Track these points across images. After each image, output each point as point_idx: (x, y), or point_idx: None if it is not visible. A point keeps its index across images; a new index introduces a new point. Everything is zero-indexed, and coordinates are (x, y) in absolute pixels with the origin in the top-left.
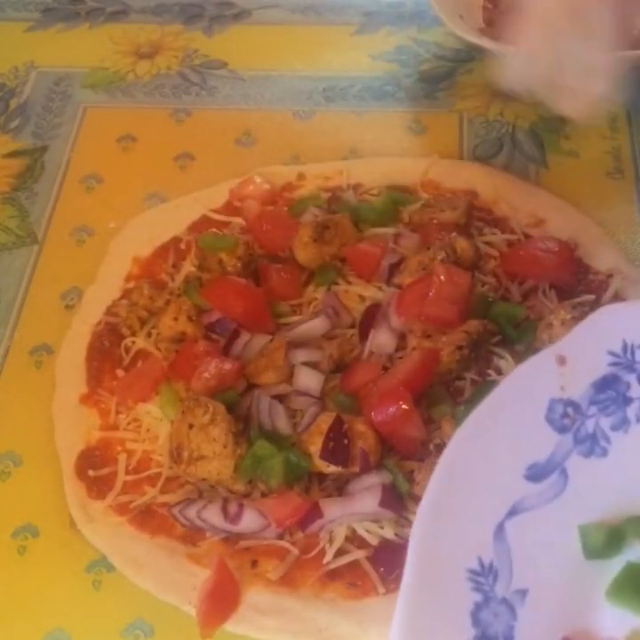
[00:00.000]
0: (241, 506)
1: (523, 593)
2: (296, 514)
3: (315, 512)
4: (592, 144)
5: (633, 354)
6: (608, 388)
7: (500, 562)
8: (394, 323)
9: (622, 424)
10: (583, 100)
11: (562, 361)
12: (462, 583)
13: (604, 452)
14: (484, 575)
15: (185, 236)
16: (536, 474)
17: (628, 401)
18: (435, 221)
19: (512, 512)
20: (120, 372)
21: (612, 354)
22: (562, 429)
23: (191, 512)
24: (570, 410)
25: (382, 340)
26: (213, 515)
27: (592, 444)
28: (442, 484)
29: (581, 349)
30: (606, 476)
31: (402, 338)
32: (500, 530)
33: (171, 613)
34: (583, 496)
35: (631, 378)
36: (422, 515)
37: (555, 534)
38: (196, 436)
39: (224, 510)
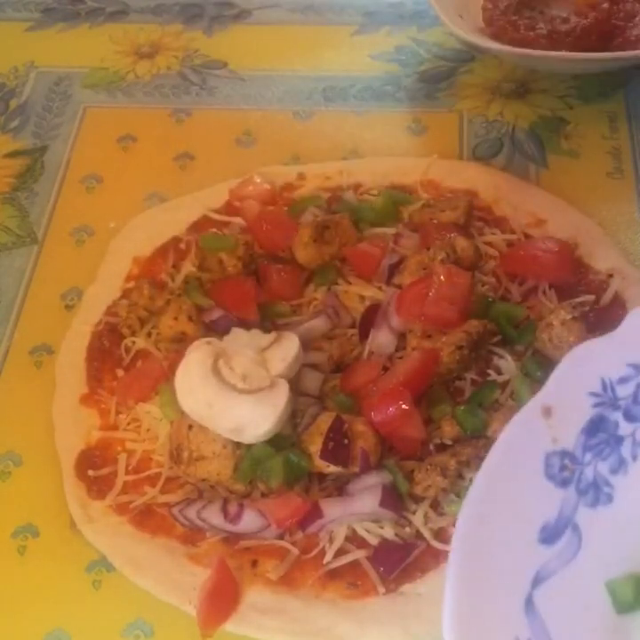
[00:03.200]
0: (241, 506)
1: None
2: (296, 514)
3: (315, 512)
4: (592, 144)
5: (613, 390)
6: (598, 431)
7: (538, 637)
8: (394, 323)
9: (620, 465)
10: None
11: (547, 412)
12: None
13: (609, 499)
14: None
15: (185, 236)
16: (549, 536)
17: (619, 440)
18: (435, 221)
19: (536, 582)
20: (120, 372)
21: (594, 394)
22: (563, 483)
23: (191, 512)
24: (566, 461)
25: (382, 339)
26: (213, 515)
27: (596, 493)
28: (461, 567)
29: (564, 396)
30: (618, 523)
31: (402, 338)
32: (529, 603)
33: (171, 613)
34: (601, 549)
35: (617, 416)
36: (450, 603)
37: (584, 595)
38: (196, 436)
39: (224, 510)
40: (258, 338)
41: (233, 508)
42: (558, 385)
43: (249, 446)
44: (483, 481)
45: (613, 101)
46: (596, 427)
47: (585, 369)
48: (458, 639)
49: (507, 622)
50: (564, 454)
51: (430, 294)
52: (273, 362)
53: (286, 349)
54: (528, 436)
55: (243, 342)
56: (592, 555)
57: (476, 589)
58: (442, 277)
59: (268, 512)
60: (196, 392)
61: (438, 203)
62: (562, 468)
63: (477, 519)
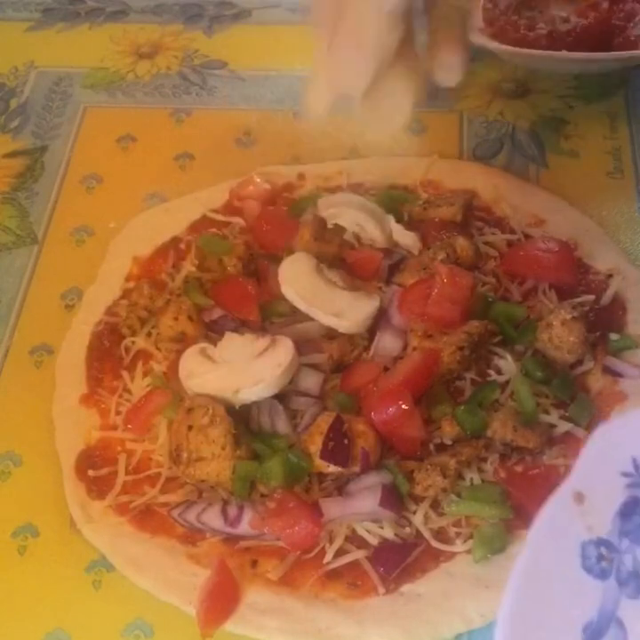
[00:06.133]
0: (241, 508)
1: None
2: (309, 539)
3: (315, 512)
4: (592, 144)
5: None
6: (633, 515)
7: None
8: (396, 321)
9: None
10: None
11: (579, 498)
12: None
13: None
14: None
15: (185, 236)
16: (593, 635)
17: None
18: (435, 219)
19: None
20: (120, 372)
21: (626, 474)
22: (602, 575)
23: (191, 515)
24: (603, 550)
25: (387, 343)
26: (213, 518)
27: (637, 583)
28: None
29: (594, 480)
30: None
31: (403, 336)
32: None
33: (171, 613)
34: None
35: None
36: None
37: None
38: (195, 437)
39: (224, 513)
40: (251, 344)
41: (233, 511)
42: (588, 468)
43: (246, 451)
44: (519, 580)
45: (613, 101)
46: (630, 510)
47: (614, 448)
48: None
49: None
50: (600, 543)
51: (432, 294)
52: (268, 368)
53: (281, 355)
54: (561, 526)
55: (236, 347)
56: None
57: None
58: (444, 278)
59: (282, 536)
60: None
61: (436, 199)
62: (599, 559)
63: (517, 622)
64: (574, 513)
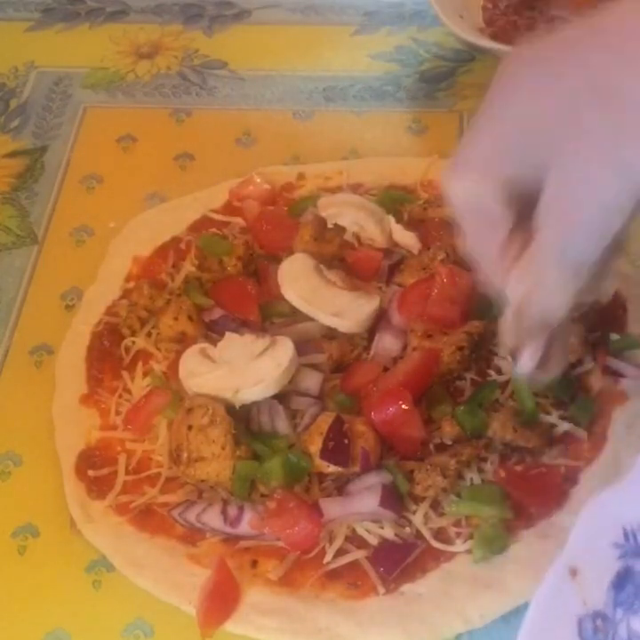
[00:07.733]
0: (241, 509)
1: None
2: (310, 540)
3: (315, 512)
4: None
5: (635, 538)
6: (626, 584)
7: None
8: (396, 321)
9: None
10: None
11: (574, 573)
12: None
13: None
14: None
15: (185, 236)
16: None
17: None
18: (435, 219)
19: None
20: (120, 373)
21: (618, 545)
22: None
23: (191, 515)
24: (599, 622)
25: (387, 343)
26: (213, 518)
27: None
28: None
29: (588, 553)
30: None
31: (403, 335)
32: None
33: (171, 613)
34: None
35: None
36: None
37: None
38: (195, 437)
39: (224, 513)
40: (251, 344)
41: (233, 511)
42: (581, 542)
43: (249, 446)
44: None
45: None
46: (623, 580)
47: (604, 520)
48: None
49: None
50: (596, 615)
51: (433, 294)
52: (268, 368)
53: (281, 355)
54: (559, 602)
55: (236, 347)
56: None
57: None
58: (444, 278)
59: (282, 536)
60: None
61: (436, 199)
62: (595, 631)
63: None
64: (570, 587)
